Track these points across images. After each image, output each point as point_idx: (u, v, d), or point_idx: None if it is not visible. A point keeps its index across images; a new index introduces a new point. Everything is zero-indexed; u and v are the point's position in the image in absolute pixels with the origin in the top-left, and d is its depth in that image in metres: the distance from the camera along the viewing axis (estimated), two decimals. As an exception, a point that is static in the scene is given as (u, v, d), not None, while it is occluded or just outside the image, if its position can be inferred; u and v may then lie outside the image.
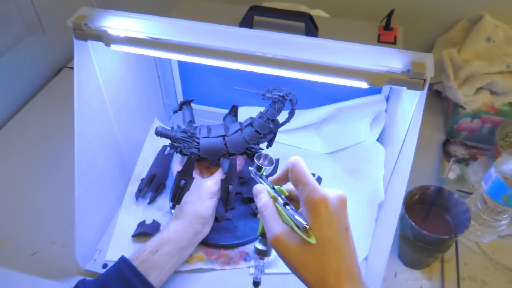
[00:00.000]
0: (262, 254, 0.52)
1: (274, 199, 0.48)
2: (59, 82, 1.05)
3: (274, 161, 0.53)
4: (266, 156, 0.53)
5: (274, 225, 0.46)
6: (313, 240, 0.43)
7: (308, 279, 0.44)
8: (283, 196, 0.48)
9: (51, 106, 0.98)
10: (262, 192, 0.49)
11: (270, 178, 0.51)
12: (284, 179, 0.49)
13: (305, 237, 0.43)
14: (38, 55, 1.02)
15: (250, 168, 0.54)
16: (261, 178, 0.52)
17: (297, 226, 0.43)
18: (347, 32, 0.78)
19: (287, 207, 0.45)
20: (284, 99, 0.62)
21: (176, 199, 0.62)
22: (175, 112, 0.73)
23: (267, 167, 0.52)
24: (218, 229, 0.71)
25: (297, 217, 0.43)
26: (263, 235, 0.52)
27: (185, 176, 0.61)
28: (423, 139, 0.88)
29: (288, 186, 0.50)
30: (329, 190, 0.45)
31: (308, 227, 0.43)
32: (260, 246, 0.52)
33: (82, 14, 0.56)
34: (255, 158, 0.53)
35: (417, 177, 0.67)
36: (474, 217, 0.70)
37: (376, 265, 0.63)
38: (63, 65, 1.09)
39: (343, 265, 0.44)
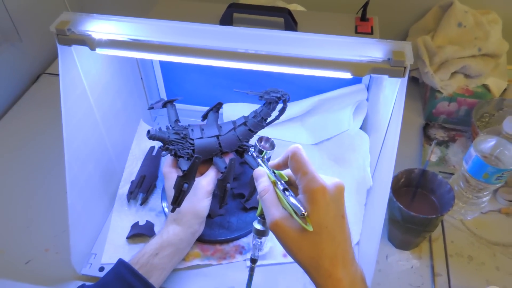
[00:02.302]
0: (260, 234, 0.53)
1: (274, 184, 0.49)
2: (39, 89, 1.04)
3: (275, 145, 0.54)
4: (268, 139, 0.54)
5: (274, 210, 0.47)
6: (310, 228, 0.44)
7: (304, 262, 0.46)
8: (283, 181, 0.49)
9: (33, 113, 0.97)
10: (263, 176, 0.50)
11: (270, 163, 0.52)
12: (284, 165, 0.50)
13: (302, 224, 0.44)
14: (16, 62, 1.01)
15: (251, 149, 0.54)
16: (262, 161, 0.53)
17: (295, 213, 0.45)
18: (325, 24, 0.80)
19: (287, 193, 0.47)
20: (279, 99, 0.64)
21: (178, 202, 0.62)
22: (149, 108, 0.73)
23: (268, 151, 0.53)
24: (212, 225, 0.72)
25: (296, 204, 0.45)
26: (261, 216, 0.53)
27: (188, 180, 0.61)
28: (404, 125, 0.90)
29: (288, 171, 0.51)
30: (327, 179, 0.47)
31: (306, 214, 0.44)
32: (258, 226, 0.53)
33: (64, 20, 0.56)
34: (256, 140, 0.53)
35: (401, 161, 0.69)
36: (457, 196, 0.73)
37: (368, 249, 0.65)
38: (42, 71, 1.08)
39: (337, 250, 0.45)
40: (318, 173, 0.46)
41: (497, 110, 0.84)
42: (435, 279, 0.68)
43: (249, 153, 0.54)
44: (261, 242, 0.55)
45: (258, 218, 0.53)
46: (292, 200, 0.46)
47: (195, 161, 0.60)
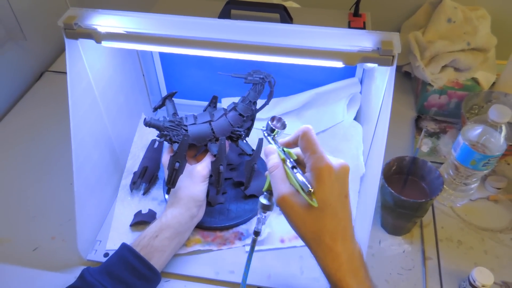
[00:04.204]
0: (265, 208, 0.56)
1: (283, 161, 0.52)
2: (42, 86, 1.07)
3: (287, 124, 0.57)
4: (279, 119, 0.57)
5: (282, 186, 0.50)
6: (315, 204, 0.47)
7: (306, 236, 0.49)
8: (291, 159, 0.52)
9: (37, 109, 1.00)
10: (273, 153, 0.53)
11: (281, 141, 0.55)
12: (293, 143, 0.53)
13: (308, 199, 0.47)
14: (20, 60, 1.04)
15: (262, 128, 0.57)
16: (273, 140, 0.56)
17: (302, 189, 0.48)
18: (320, 20, 0.83)
19: (295, 170, 0.50)
20: (263, 81, 0.67)
21: (172, 182, 0.65)
22: (155, 110, 0.76)
23: (280, 130, 0.56)
24: (212, 213, 0.75)
25: (303, 181, 0.48)
26: (268, 191, 0.56)
27: (179, 159, 0.65)
28: (397, 117, 0.95)
29: (296, 150, 0.54)
30: (334, 159, 0.50)
31: (312, 191, 0.47)
32: (264, 201, 0.56)
33: (71, 15, 0.59)
34: (269, 120, 0.56)
35: (394, 152, 0.72)
36: (447, 184, 0.77)
37: (361, 234, 0.68)
38: (45, 69, 1.10)
39: (338, 227, 0.49)
40: (325, 154, 0.49)
41: (485, 102, 0.88)
42: (426, 262, 0.71)
43: (264, 132, 0.57)
44: (265, 216, 0.58)
45: (265, 193, 0.57)
46: (300, 177, 0.49)
47: (184, 139, 0.63)
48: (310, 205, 0.47)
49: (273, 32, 0.57)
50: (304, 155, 0.50)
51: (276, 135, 0.56)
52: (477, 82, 0.91)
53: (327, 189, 0.48)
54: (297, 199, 0.49)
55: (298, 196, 0.49)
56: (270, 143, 0.56)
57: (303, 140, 0.50)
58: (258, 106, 0.72)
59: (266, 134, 0.57)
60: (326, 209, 0.48)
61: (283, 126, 0.57)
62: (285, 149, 0.54)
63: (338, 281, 0.48)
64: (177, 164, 0.64)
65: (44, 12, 1.06)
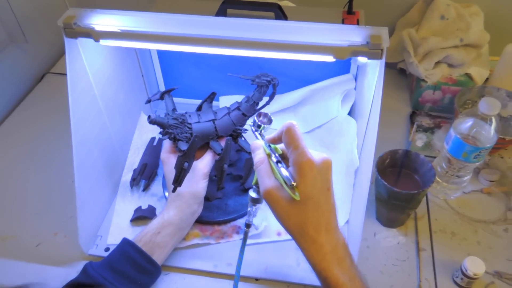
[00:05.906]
0: (254, 201, 0.59)
1: (269, 156, 0.54)
2: (44, 87, 1.08)
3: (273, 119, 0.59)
4: (265, 114, 0.58)
5: (267, 180, 0.52)
6: (297, 197, 0.49)
7: (291, 228, 0.51)
8: (277, 154, 0.53)
9: (39, 109, 1.02)
10: (259, 149, 0.55)
11: (266, 137, 0.56)
12: (279, 139, 0.55)
13: (291, 193, 0.49)
14: (21, 62, 1.06)
15: (249, 123, 0.59)
16: (260, 135, 0.57)
17: (285, 183, 0.49)
18: (314, 18, 0.83)
19: (279, 164, 0.51)
20: (269, 83, 0.68)
21: (179, 182, 0.66)
22: (148, 102, 0.76)
23: (266, 125, 0.58)
24: (210, 208, 0.77)
25: (286, 175, 0.49)
26: (256, 185, 0.58)
27: (188, 159, 0.65)
28: (393, 113, 0.96)
29: (282, 145, 0.56)
30: (316, 154, 0.51)
31: (294, 184, 0.49)
32: (253, 195, 0.58)
33: (70, 15, 0.61)
34: (255, 116, 0.58)
35: (390, 147, 0.74)
36: (440, 176, 0.78)
37: (356, 226, 0.69)
38: (46, 71, 1.12)
39: (321, 219, 0.50)
40: (308, 149, 0.51)
41: (479, 97, 0.89)
42: (420, 253, 0.72)
43: (252, 128, 0.58)
44: (255, 209, 0.60)
45: (254, 187, 0.58)
46: (283, 171, 0.50)
47: (195, 140, 0.65)
48: (294, 198, 0.49)
49: (267, 28, 0.59)
50: (287, 150, 0.52)
51: (262, 130, 0.58)
52: (470, 78, 0.93)
53: (308, 183, 0.49)
54: (282, 193, 0.50)
55: (283, 190, 0.50)
56: (257, 138, 0.57)
57: (287, 135, 0.52)
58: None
59: (253, 130, 0.58)
60: (308, 202, 0.49)
61: (269, 121, 0.58)
62: (271, 144, 0.56)
63: (322, 270, 0.50)
64: (186, 164, 0.65)
65: (45, 15, 1.09)
